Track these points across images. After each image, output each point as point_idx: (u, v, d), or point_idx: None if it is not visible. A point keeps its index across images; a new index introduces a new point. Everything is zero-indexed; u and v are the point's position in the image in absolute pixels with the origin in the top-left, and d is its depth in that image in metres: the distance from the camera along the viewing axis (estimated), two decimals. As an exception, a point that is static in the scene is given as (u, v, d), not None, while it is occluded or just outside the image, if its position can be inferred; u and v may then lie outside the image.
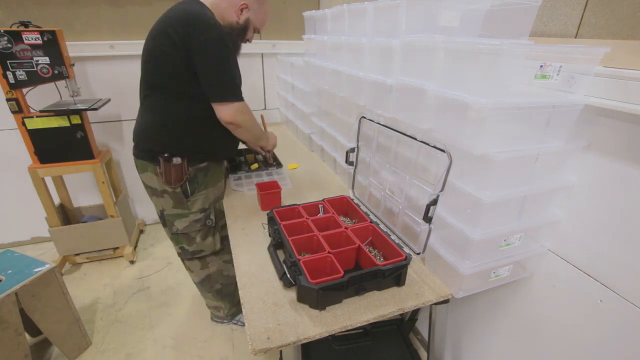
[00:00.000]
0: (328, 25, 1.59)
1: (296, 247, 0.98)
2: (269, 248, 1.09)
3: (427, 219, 0.95)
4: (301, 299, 0.89)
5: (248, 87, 2.48)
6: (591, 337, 0.90)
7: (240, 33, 1.30)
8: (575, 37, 0.91)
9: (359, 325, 0.84)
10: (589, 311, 0.89)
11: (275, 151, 1.73)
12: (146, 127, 1.27)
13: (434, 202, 0.93)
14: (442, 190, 0.91)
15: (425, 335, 1.58)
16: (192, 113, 1.22)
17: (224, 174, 1.52)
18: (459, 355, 1.41)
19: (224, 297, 1.66)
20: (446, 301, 0.95)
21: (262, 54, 2.46)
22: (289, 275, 0.91)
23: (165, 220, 1.39)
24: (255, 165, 1.67)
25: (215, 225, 1.43)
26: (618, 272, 0.82)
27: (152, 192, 1.35)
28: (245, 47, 1.40)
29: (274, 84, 2.58)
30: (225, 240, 1.50)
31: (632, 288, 0.79)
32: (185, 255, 1.47)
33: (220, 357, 1.64)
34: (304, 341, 0.79)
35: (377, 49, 1.14)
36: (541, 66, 0.77)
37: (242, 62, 1.26)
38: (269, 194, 1.32)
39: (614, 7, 0.82)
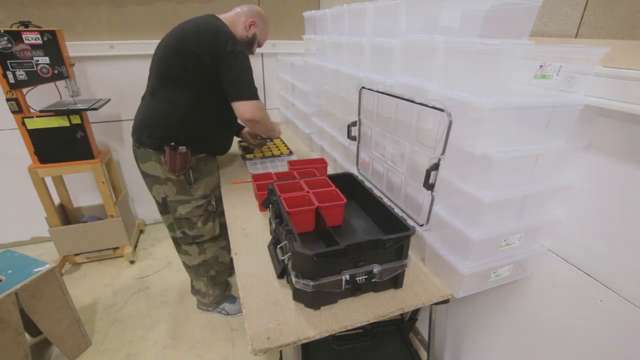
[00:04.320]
0: (328, 25, 1.59)
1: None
2: (268, 246, 1.09)
3: (429, 185, 0.92)
4: (297, 297, 0.88)
5: (248, 87, 2.49)
6: (591, 337, 0.90)
7: (249, 45, 1.50)
8: (575, 37, 0.91)
9: (358, 325, 0.84)
10: (589, 311, 0.89)
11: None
12: (159, 117, 1.37)
13: (435, 167, 0.89)
14: (443, 153, 0.87)
15: (425, 335, 1.58)
16: (203, 109, 1.38)
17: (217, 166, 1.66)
18: (459, 355, 1.41)
19: (216, 283, 1.74)
20: (446, 301, 0.95)
21: (262, 54, 2.46)
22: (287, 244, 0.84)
23: (167, 206, 1.49)
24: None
25: (215, 211, 1.56)
26: (618, 272, 0.82)
27: (154, 180, 1.44)
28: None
29: (274, 84, 2.58)
30: (223, 227, 1.62)
31: (632, 288, 0.79)
32: (186, 240, 1.56)
33: (220, 357, 1.64)
34: (304, 341, 0.79)
35: (377, 49, 1.14)
36: (541, 66, 0.77)
37: (241, 62, 1.32)
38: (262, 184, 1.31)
39: (614, 7, 0.82)
